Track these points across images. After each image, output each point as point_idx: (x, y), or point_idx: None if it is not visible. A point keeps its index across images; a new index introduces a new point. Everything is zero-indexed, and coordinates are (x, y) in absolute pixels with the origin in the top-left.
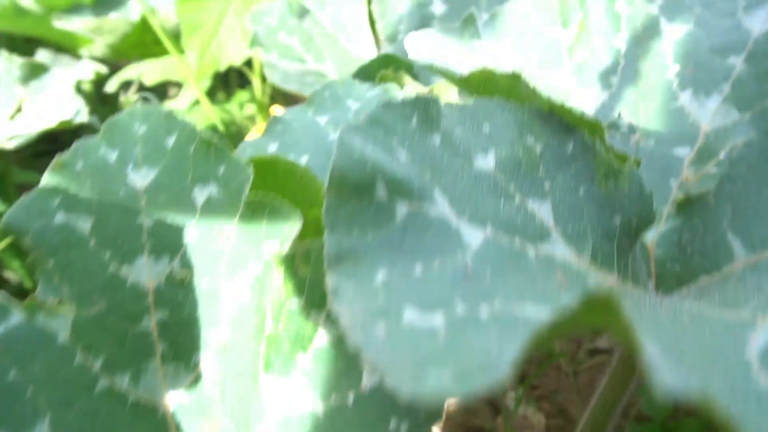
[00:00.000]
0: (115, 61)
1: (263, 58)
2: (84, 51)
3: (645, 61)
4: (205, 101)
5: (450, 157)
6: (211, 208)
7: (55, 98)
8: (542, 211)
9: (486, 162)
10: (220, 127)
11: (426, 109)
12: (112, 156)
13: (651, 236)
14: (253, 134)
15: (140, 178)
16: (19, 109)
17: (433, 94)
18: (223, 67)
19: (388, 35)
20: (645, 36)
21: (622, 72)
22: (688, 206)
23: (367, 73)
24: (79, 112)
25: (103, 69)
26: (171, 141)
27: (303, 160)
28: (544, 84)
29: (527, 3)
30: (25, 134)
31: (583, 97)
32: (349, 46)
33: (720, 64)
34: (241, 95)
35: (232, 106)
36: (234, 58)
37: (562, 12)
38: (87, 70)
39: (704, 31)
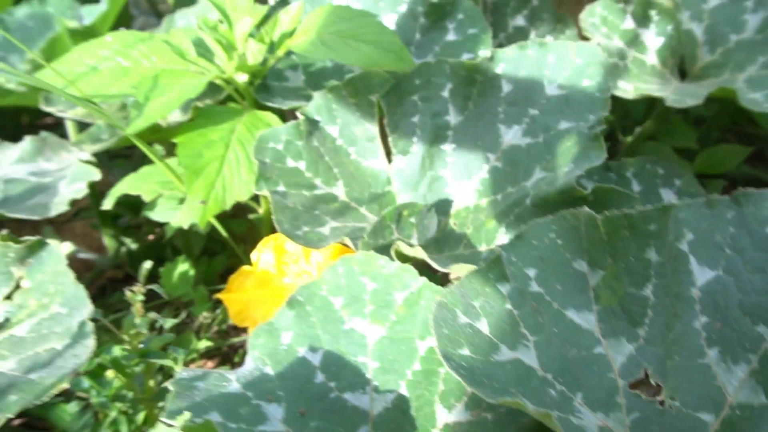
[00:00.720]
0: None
1: (271, 200)
2: (77, 146)
3: (673, 308)
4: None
5: None
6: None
7: (51, 277)
8: None
9: None
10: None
11: None
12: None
13: None
14: (257, 254)
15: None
16: (17, 287)
17: None
18: (228, 207)
19: (400, 148)
20: (674, 281)
21: (650, 321)
22: None
23: (380, 230)
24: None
25: (96, 176)
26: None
27: (317, 357)
28: (566, 323)
29: (552, 230)
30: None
31: (607, 347)
32: (360, 158)
33: (749, 329)
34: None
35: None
36: (239, 197)
37: (590, 249)
38: (79, 188)
39: (734, 281)
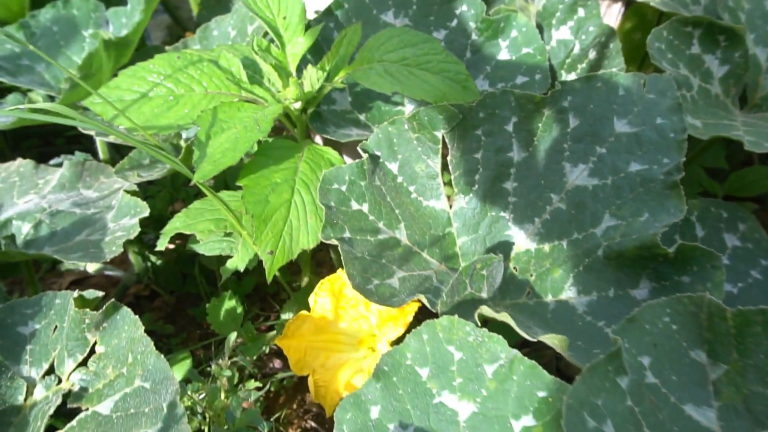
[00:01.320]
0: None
1: (341, 250)
2: (119, 174)
3: None
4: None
5: None
6: None
7: (128, 344)
8: None
9: None
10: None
11: None
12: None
13: None
14: (314, 298)
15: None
16: (91, 352)
17: None
18: (294, 257)
19: (462, 187)
20: None
21: None
22: None
23: (457, 286)
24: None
25: (145, 211)
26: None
27: None
28: (684, 419)
29: (666, 313)
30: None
31: None
32: (420, 198)
33: None
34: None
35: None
36: (306, 245)
37: (712, 340)
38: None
39: None
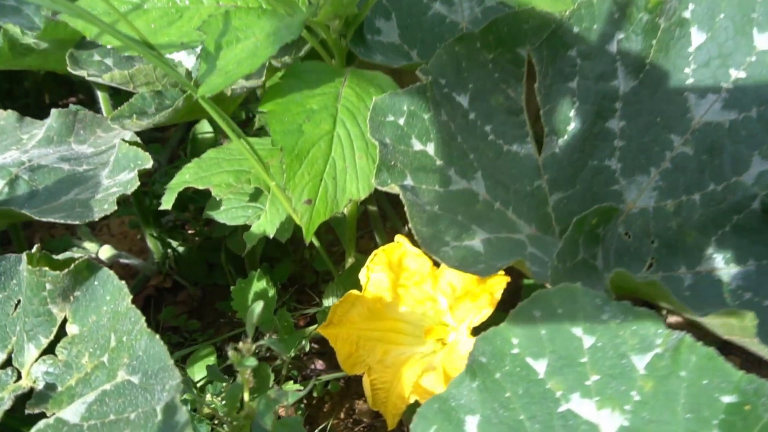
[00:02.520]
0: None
1: (404, 199)
2: (117, 122)
3: None
4: None
5: None
6: None
7: (110, 321)
8: None
9: None
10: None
11: None
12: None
13: None
14: (366, 273)
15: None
16: (60, 334)
17: None
18: (341, 209)
19: (553, 126)
20: None
21: None
22: None
23: (570, 248)
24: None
25: (147, 162)
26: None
27: None
28: None
29: None
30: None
31: None
32: (500, 141)
33: None
34: None
35: None
36: (355, 194)
37: None
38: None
39: None
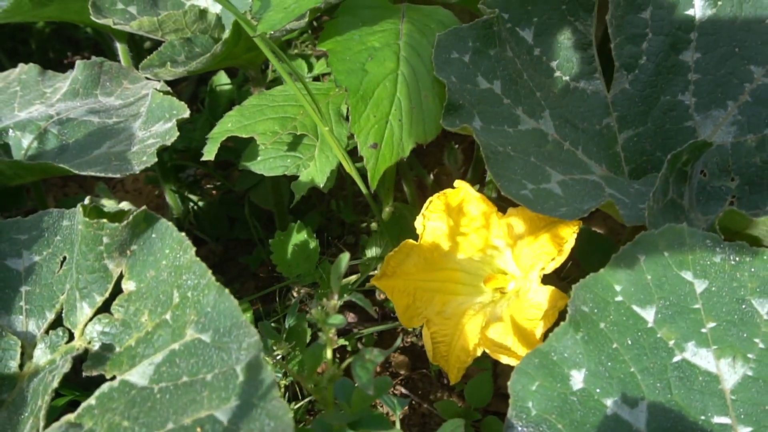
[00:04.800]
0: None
1: (479, 141)
2: (147, 71)
3: None
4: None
5: None
6: None
7: (172, 276)
8: None
9: None
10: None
11: None
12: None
13: None
14: (422, 221)
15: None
16: (116, 291)
17: None
18: (406, 154)
19: (624, 60)
20: None
21: None
22: None
23: (663, 187)
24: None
25: (184, 111)
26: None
27: (640, 418)
28: None
29: None
30: None
31: None
32: (566, 76)
33: None
34: None
35: None
36: (423, 137)
37: None
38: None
39: None
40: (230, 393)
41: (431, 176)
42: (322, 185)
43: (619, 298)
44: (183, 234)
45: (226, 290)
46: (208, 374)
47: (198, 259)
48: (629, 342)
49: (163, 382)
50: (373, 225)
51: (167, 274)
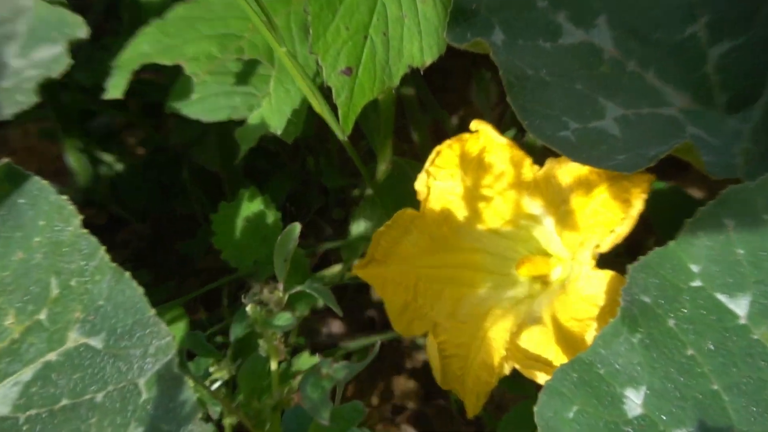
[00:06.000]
0: None
1: (497, 61)
2: None
3: None
4: None
5: None
6: None
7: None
8: None
9: None
10: None
11: None
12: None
13: None
14: (424, 180)
15: None
16: None
17: None
18: (396, 82)
19: None
20: None
21: None
22: None
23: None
24: None
25: (81, 29)
26: None
27: None
28: None
29: None
30: None
31: None
32: None
33: None
34: None
35: None
36: (418, 58)
37: None
38: None
39: None
40: (129, 418)
41: (454, 119)
42: (279, 131)
43: (696, 283)
44: (65, 198)
45: (126, 274)
46: (98, 393)
47: (86, 231)
48: (711, 346)
49: (33, 409)
50: (369, 192)
51: (42, 256)
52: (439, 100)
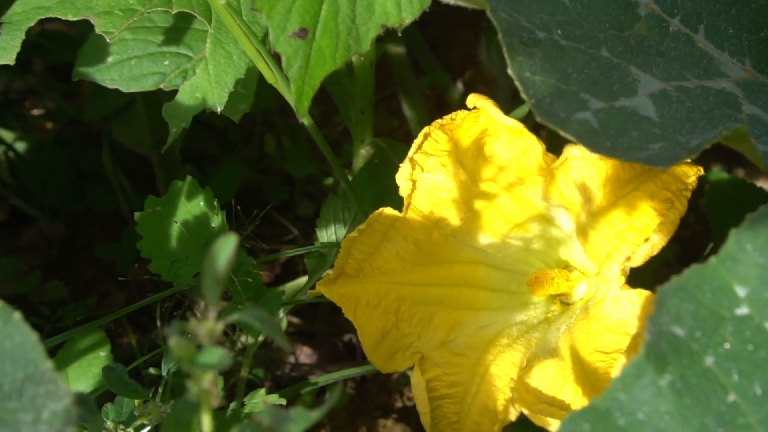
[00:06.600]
0: None
1: (496, 22)
2: None
3: None
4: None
5: None
6: None
7: None
8: None
9: None
10: None
11: None
12: None
13: None
14: (407, 170)
15: None
16: None
17: None
18: (366, 47)
19: None
20: None
21: None
22: None
23: None
24: None
25: None
26: None
27: None
28: None
29: None
30: None
31: None
32: None
33: None
34: None
35: None
36: (393, 16)
37: None
38: None
39: None
40: None
41: (459, 85)
42: (220, 107)
43: (742, 311)
44: None
45: (15, 315)
46: None
47: None
48: (759, 391)
49: None
50: (357, 163)
51: None
52: (440, 59)
